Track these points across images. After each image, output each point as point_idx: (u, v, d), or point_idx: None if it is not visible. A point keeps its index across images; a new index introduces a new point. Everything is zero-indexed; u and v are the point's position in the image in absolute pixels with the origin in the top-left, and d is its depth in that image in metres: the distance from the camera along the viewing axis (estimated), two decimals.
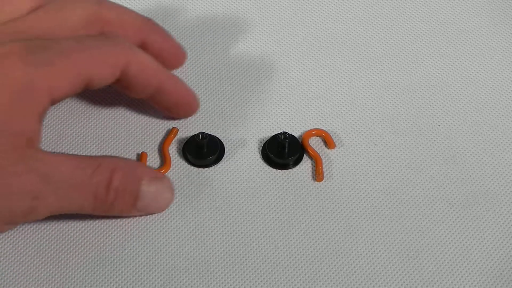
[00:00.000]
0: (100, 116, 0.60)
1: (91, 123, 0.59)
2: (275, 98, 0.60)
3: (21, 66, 0.48)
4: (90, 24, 0.54)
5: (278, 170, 0.57)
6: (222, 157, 0.57)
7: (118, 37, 0.54)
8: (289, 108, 0.60)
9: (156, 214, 0.55)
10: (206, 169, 0.57)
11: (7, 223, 0.49)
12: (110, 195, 0.51)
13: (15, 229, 0.54)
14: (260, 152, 0.58)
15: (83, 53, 0.51)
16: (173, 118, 0.59)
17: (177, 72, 0.61)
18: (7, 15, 0.52)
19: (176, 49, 0.58)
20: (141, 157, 0.57)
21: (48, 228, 0.55)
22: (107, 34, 0.54)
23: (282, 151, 0.57)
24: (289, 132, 0.57)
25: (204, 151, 0.57)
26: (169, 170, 0.57)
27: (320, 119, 0.59)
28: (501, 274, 0.53)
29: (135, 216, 0.54)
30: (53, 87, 0.49)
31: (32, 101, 0.48)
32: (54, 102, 0.50)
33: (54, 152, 0.52)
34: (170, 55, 0.57)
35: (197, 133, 0.57)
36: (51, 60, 0.49)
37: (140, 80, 0.54)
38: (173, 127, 0.58)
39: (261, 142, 0.58)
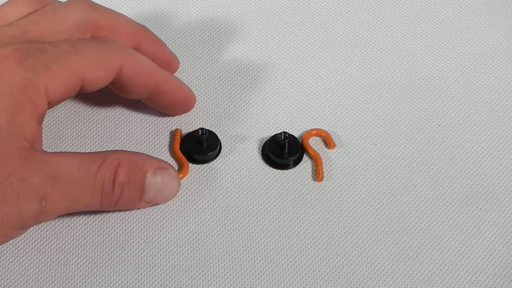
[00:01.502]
0: (101, 116, 0.60)
1: (91, 124, 0.59)
2: (275, 98, 0.60)
3: (18, 70, 0.48)
4: (84, 28, 0.54)
5: (278, 170, 0.57)
6: (220, 151, 0.58)
7: (113, 40, 0.54)
8: (289, 108, 0.60)
9: (156, 213, 0.55)
10: (207, 168, 0.57)
11: (18, 228, 0.49)
12: (116, 190, 0.51)
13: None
14: (260, 152, 0.58)
15: (78, 55, 0.51)
16: (170, 115, 0.59)
17: (178, 73, 0.61)
18: (2, 20, 0.53)
19: (169, 56, 0.59)
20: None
21: (48, 228, 0.55)
22: (101, 38, 0.54)
23: (282, 151, 0.57)
24: (289, 132, 0.57)
25: (205, 146, 0.57)
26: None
27: (320, 119, 0.59)
28: (501, 274, 0.53)
29: (143, 208, 0.55)
30: (50, 90, 0.49)
31: (31, 105, 0.48)
32: (50, 105, 0.51)
33: (56, 151, 0.52)
34: (163, 62, 0.57)
35: (196, 129, 0.57)
36: (47, 64, 0.49)
37: (136, 81, 0.54)
38: (177, 129, 0.58)
39: (261, 142, 0.58)
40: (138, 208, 0.54)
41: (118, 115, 0.60)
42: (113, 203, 0.51)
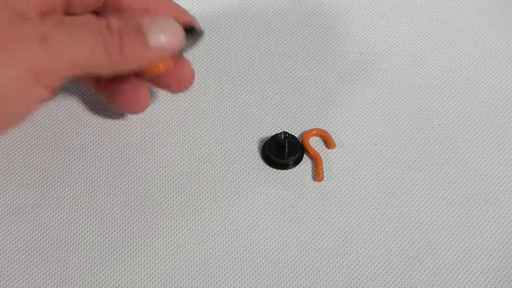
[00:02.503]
0: (103, 116, 0.60)
1: (91, 124, 0.59)
2: (275, 99, 0.60)
3: None
4: None
5: (278, 170, 0.57)
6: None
7: None
8: (289, 108, 0.60)
9: (156, 213, 0.55)
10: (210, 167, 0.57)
11: (38, 79, 0.48)
12: (115, 35, 0.49)
13: (15, 227, 0.54)
14: (260, 152, 0.58)
15: None
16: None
17: None
18: None
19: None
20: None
21: (48, 228, 0.55)
22: None
23: (282, 151, 0.57)
24: (289, 132, 0.57)
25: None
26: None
27: (320, 119, 0.59)
28: (501, 273, 0.53)
29: (158, 60, 0.52)
30: None
31: None
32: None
33: None
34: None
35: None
36: None
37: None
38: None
39: (261, 142, 0.58)
40: (152, 60, 0.52)
41: (118, 116, 0.60)
42: (117, 49, 0.49)
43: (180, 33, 0.51)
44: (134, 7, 0.54)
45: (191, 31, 0.53)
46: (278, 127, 0.59)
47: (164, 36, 0.51)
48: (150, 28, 0.50)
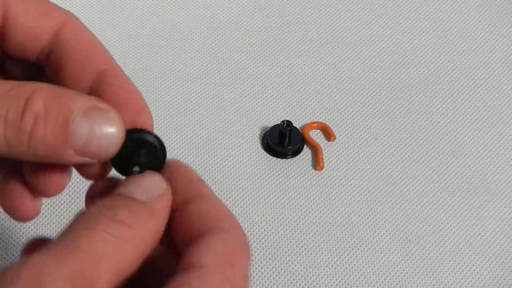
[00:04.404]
0: None
1: None
2: (278, 93, 0.61)
3: None
4: None
5: (278, 159, 0.57)
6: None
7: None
8: (291, 102, 0.60)
9: None
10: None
11: None
12: (27, 120, 0.36)
13: (15, 228, 0.54)
14: (261, 141, 0.58)
15: None
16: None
17: (185, 67, 0.61)
18: None
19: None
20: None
21: (49, 228, 0.54)
22: None
23: (283, 139, 0.57)
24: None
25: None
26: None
27: (321, 113, 0.60)
28: (502, 262, 0.53)
29: (74, 162, 0.37)
30: None
31: None
32: None
33: None
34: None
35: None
36: None
37: (75, 55, 0.39)
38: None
39: (262, 132, 0.58)
40: (67, 162, 0.37)
41: None
42: (23, 138, 0.36)
43: (115, 139, 0.37)
44: (81, 75, 0.39)
45: (142, 142, 0.37)
46: (280, 119, 0.59)
47: (94, 146, 0.37)
48: (77, 129, 0.36)
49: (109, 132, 0.36)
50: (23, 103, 0.36)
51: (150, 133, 0.37)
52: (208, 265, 0.34)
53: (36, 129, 0.36)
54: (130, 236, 0.34)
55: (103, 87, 0.38)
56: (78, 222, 0.35)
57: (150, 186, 0.36)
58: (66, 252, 0.33)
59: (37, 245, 0.37)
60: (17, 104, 0.36)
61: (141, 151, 0.37)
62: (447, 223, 0.54)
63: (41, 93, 0.36)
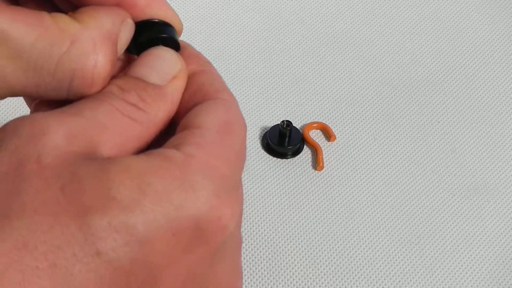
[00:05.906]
0: None
1: None
2: (278, 93, 0.61)
3: None
4: None
5: (278, 159, 0.57)
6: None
7: None
8: (290, 102, 0.60)
9: None
10: None
11: None
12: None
13: None
14: (261, 141, 0.58)
15: None
16: None
17: None
18: None
19: None
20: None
21: None
22: None
23: (283, 139, 0.57)
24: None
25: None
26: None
27: (321, 114, 0.60)
28: (502, 261, 0.53)
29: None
30: None
31: None
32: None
33: None
34: None
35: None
36: None
37: None
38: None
39: (261, 132, 0.59)
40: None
41: None
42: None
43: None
44: None
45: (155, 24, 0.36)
46: (280, 119, 0.59)
47: None
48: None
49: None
50: None
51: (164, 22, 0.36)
52: (207, 125, 0.34)
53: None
54: (139, 118, 0.34)
55: None
56: (87, 97, 0.34)
57: (163, 67, 0.36)
58: (69, 115, 0.33)
59: (43, 106, 0.36)
60: None
61: (157, 29, 0.36)
62: (447, 223, 0.54)
63: None
